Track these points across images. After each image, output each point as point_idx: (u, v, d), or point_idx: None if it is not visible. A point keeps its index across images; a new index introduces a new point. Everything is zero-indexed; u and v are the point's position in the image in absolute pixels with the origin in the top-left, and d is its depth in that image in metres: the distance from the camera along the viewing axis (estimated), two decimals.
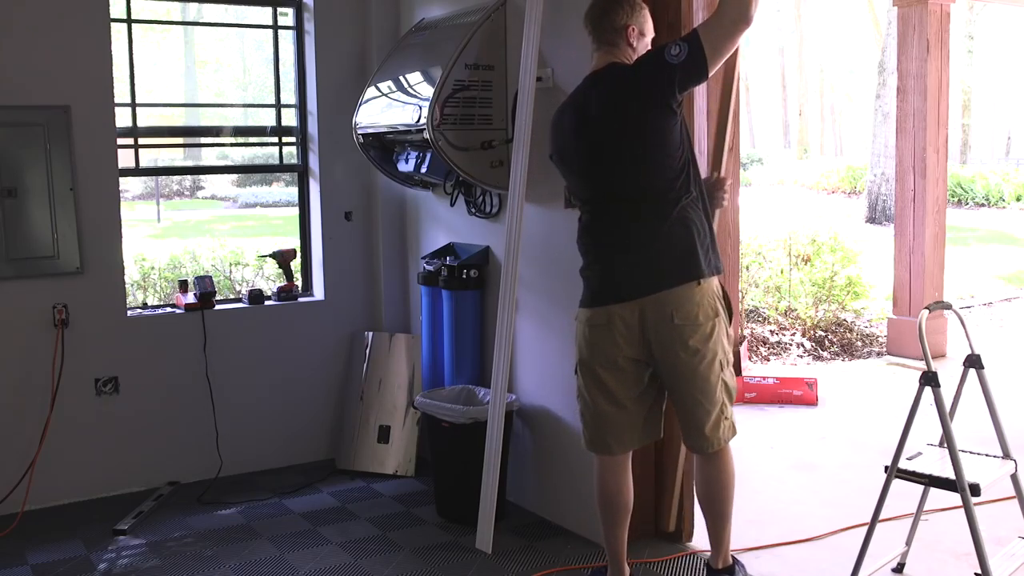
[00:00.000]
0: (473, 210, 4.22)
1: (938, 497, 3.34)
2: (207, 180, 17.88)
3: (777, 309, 7.40)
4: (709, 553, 3.22)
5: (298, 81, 4.79)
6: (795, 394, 5.66)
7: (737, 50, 3.06)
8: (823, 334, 7.25)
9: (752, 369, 6.41)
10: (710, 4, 5.85)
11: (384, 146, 4.42)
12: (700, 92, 5.12)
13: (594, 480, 3.18)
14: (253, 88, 16.12)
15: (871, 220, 14.46)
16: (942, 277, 6.86)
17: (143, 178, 14.92)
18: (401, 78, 4.22)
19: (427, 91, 3.91)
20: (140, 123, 4.47)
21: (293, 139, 4.85)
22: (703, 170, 3.24)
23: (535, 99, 3.64)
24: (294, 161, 4.88)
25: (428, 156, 4.11)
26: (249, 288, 5.05)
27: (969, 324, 3.27)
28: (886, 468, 3.02)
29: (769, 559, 3.52)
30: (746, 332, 6.90)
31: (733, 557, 3.23)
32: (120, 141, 4.27)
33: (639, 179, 2.90)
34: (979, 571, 2.90)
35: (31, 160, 4.04)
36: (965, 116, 26.54)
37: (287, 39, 4.83)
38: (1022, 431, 4.05)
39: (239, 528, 3.95)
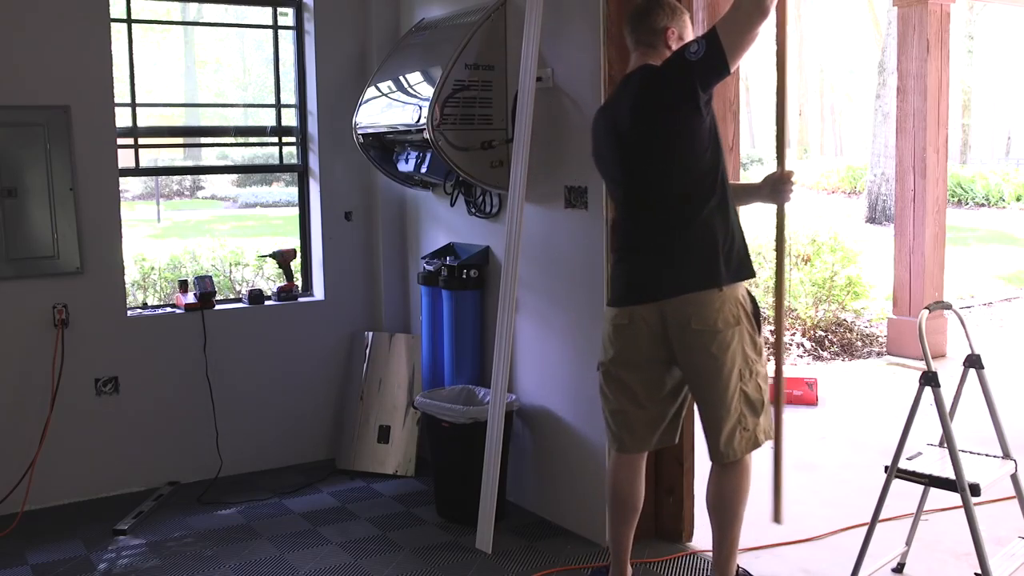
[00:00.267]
0: (473, 210, 4.22)
1: (938, 497, 3.34)
2: (207, 180, 17.88)
3: None
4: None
5: (298, 81, 4.79)
6: (795, 394, 5.65)
7: (785, 46, 2.99)
8: (823, 334, 7.25)
9: None
10: (710, 4, 5.84)
11: (384, 146, 4.42)
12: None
13: (607, 477, 3.18)
14: (253, 88, 16.12)
15: (871, 220, 14.47)
16: (942, 277, 6.86)
17: (143, 178, 14.92)
18: (401, 78, 4.22)
19: (427, 91, 3.91)
20: (140, 123, 4.47)
21: (293, 139, 4.85)
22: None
23: (535, 99, 3.64)
24: (294, 161, 4.88)
25: (428, 156, 4.11)
26: (249, 288, 5.05)
27: (969, 324, 3.27)
28: (886, 468, 3.02)
29: (769, 559, 3.52)
30: None
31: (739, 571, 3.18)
32: (120, 141, 4.27)
33: (664, 181, 2.89)
34: (979, 571, 2.90)
35: (31, 160, 4.04)
36: (965, 116, 26.54)
37: (287, 39, 4.83)
38: (1022, 431, 4.05)
39: (239, 528, 3.95)
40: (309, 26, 4.69)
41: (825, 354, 7.01)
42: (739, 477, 2.99)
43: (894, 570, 3.37)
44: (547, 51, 3.69)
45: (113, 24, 4.24)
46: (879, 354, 7.03)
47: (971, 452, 3.13)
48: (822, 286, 7.36)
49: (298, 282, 4.88)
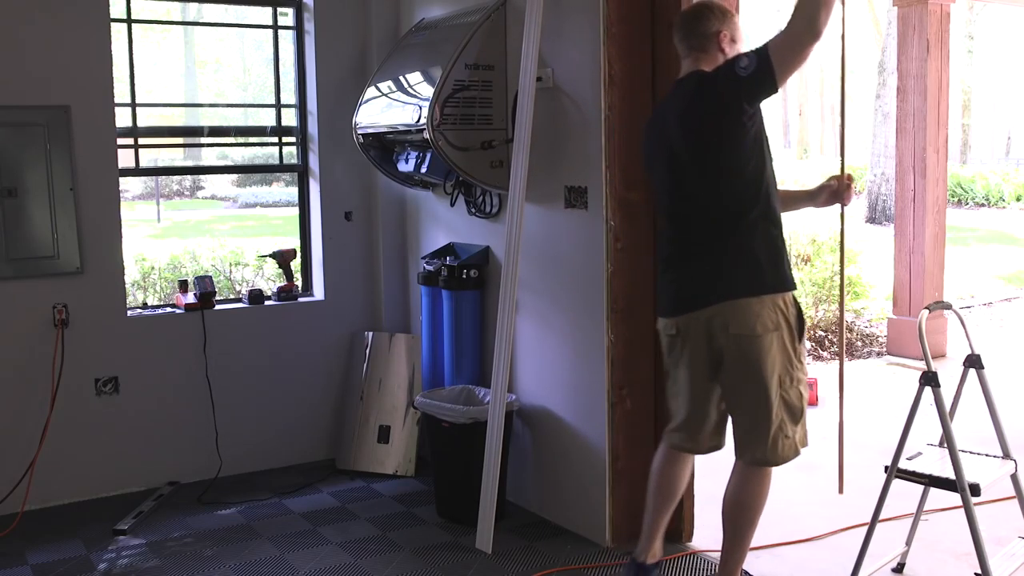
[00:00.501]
0: (473, 210, 4.22)
1: (938, 497, 3.34)
2: (207, 180, 17.88)
3: None
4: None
5: (298, 81, 4.79)
6: None
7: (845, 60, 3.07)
8: (823, 334, 7.24)
9: None
10: None
11: (384, 146, 4.42)
12: None
13: (654, 463, 3.19)
14: (253, 88, 16.11)
15: (871, 220, 14.48)
16: (942, 277, 6.86)
17: (143, 178, 14.92)
18: (401, 78, 4.22)
19: (427, 91, 3.91)
20: (140, 123, 4.47)
21: (293, 139, 4.85)
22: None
23: (535, 99, 3.64)
24: (294, 161, 4.88)
25: (428, 156, 4.11)
26: (249, 288, 5.05)
27: (969, 324, 3.27)
28: (886, 468, 3.03)
29: (769, 559, 3.52)
30: None
31: None
32: (120, 141, 4.27)
33: (706, 190, 2.91)
34: (979, 571, 2.90)
35: (31, 160, 4.04)
36: (965, 116, 26.55)
37: (287, 39, 4.83)
38: (1022, 431, 4.06)
39: (239, 528, 3.95)
40: (309, 26, 4.69)
41: (825, 354, 7.01)
42: (761, 483, 2.99)
43: (894, 570, 3.37)
44: (547, 51, 3.69)
45: (113, 24, 4.24)
46: (879, 354, 7.03)
47: (971, 452, 3.13)
48: (822, 286, 7.36)
49: (298, 282, 4.88)
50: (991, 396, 3.10)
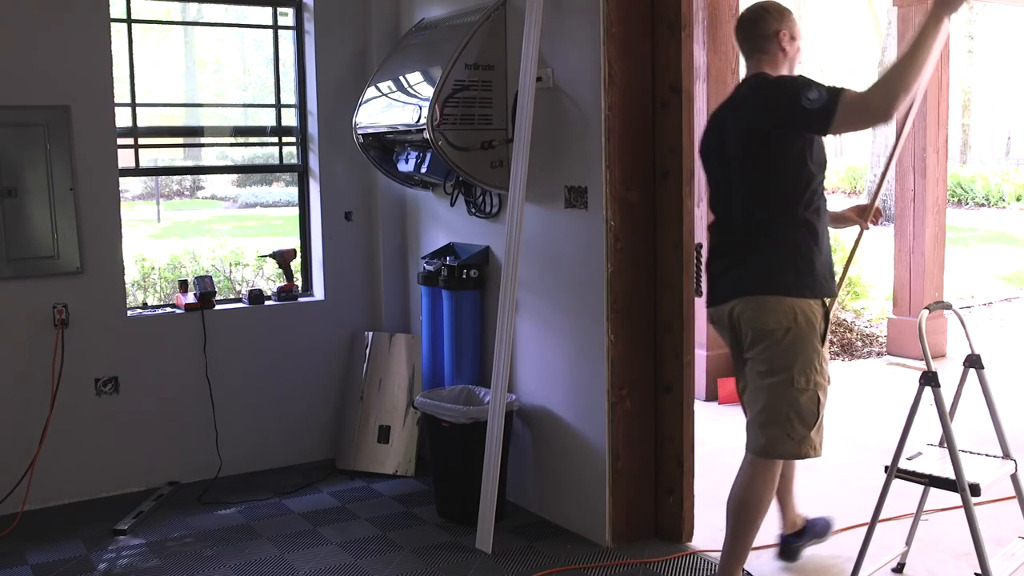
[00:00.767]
0: (473, 210, 4.22)
1: (938, 497, 3.34)
2: (207, 180, 17.88)
3: None
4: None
5: (298, 81, 4.79)
6: None
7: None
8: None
9: None
10: (710, 3, 5.85)
11: (384, 146, 4.42)
12: (700, 94, 5.11)
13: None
14: (253, 88, 16.10)
15: None
16: (942, 277, 6.85)
17: (143, 178, 14.93)
18: (401, 78, 4.22)
19: (427, 91, 3.91)
20: (140, 123, 4.47)
21: (293, 139, 4.85)
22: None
23: (535, 99, 3.64)
24: (294, 161, 4.88)
25: (428, 156, 4.11)
26: (249, 288, 5.05)
27: (969, 324, 3.27)
28: (886, 468, 3.02)
29: (769, 559, 3.51)
30: None
31: None
32: (120, 141, 4.27)
33: (751, 189, 2.97)
34: (979, 571, 2.90)
35: (31, 160, 4.04)
36: (965, 116, 26.55)
37: (287, 39, 4.83)
38: (1022, 431, 4.05)
39: (239, 528, 3.95)
40: (309, 26, 4.69)
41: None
42: (764, 481, 3.01)
43: (894, 570, 3.37)
44: (547, 51, 3.69)
45: (113, 24, 4.24)
46: (879, 354, 7.02)
47: (971, 452, 3.13)
48: None
49: (298, 282, 4.88)
50: (991, 396, 3.10)
